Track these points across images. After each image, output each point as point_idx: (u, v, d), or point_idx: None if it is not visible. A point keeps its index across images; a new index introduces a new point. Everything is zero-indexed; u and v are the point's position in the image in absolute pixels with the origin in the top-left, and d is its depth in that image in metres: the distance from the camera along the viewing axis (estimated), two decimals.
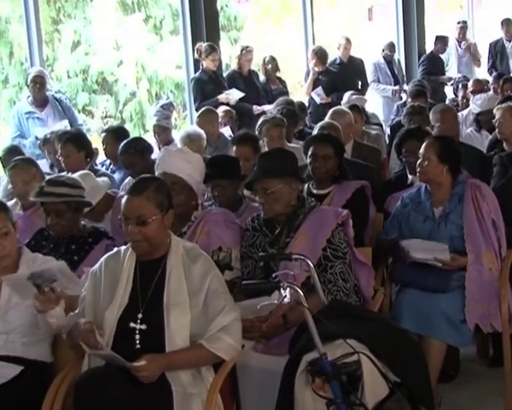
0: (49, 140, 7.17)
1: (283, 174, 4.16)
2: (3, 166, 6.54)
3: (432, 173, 4.67)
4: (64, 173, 5.12)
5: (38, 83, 8.03)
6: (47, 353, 3.83)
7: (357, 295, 4.21)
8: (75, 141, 6.41)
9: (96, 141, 7.71)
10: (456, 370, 4.98)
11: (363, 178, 5.28)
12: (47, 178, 4.84)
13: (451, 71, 12.54)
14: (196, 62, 9.66)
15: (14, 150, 6.93)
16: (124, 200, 3.57)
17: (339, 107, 7.58)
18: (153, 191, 3.57)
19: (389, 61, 11.59)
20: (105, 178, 5.78)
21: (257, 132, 6.82)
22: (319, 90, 9.88)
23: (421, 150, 4.73)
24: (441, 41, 12.38)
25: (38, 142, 7.60)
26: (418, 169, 4.72)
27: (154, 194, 3.57)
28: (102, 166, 7.22)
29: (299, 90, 11.03)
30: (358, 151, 6.67)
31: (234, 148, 5.80)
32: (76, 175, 5.06)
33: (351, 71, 10.61)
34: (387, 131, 8.59)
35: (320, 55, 10.29)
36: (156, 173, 4.37)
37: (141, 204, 3.52)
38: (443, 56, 12.47)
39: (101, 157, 7.44)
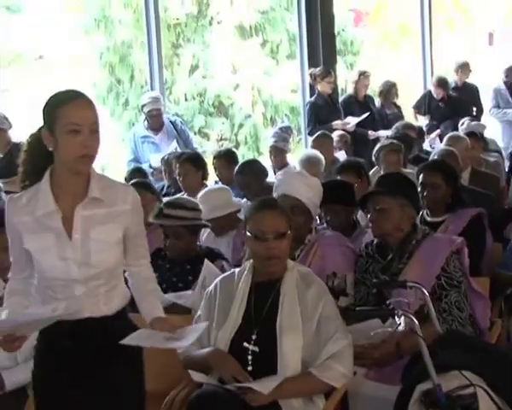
0: (167, 160, 7.32)
1: (396, 194, 4.13)
2: None
3: None
4: (181, 195, 5.21)
5: (154, 116, 8.20)
6: None
7: (473, 326, 4.11)
8: (194, 160, 6.55)
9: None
10: None
11: (481, 205, 5.16)
12: (166, 200, 4.93)
13: None
14: (312, 87, 9.71)
15: (137, 172, 7.08)
16: (258, 216, 3.58)
17: (455, 132, 7.47)
18: (283, 207, 3.63)
19: (510, 86, 11.33)
20: (241, 200, 5.87)
21: (374, 158, 6.80)
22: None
23: None
24: None
25: (151, 170, 7.73)
26: None
27: (284, 210, 3.64)
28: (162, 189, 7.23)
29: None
30: (476, 178, 6.54)
31: (338, 177, 5.77)
32: (212, 188, 5.20)
33: (465, 97, 10.46)
34: (507, 158, 8.39)
35: (443, 83, 10.22)
36: (275, 195, 4.41)
37: (279, 218, 3.57)
38: None
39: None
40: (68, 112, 2.94)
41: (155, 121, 8.20)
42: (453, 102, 10.29)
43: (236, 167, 6.61)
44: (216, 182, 7.37)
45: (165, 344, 3.05)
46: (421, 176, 5.10)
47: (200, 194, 5.59)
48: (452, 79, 10.68)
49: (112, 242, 3.04)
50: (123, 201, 3.07)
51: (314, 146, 7.77)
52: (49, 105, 3.01)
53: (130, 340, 3.00)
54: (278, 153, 7.87)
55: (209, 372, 3.50)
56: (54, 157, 3.02)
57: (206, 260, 4.44)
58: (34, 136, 3.09)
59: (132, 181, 5.97)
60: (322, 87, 9.31)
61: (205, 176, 6.61)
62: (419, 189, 5.05)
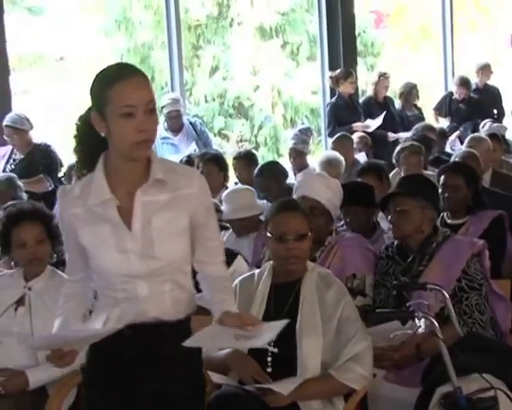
0: (191, 160, 7.33)
1: (417, 196, 4.12)
2: None
3: None
4: None
5: (173, 117, 8.20)
6: None
7: (494, 329, 4.09)
8: (217, 161, 6.56)
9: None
10: None
11: (502, 207, 5.14)
12: None
13: None
14: (332, 90, 9.70)
15: None
16: (279, 217, 3.59)
17: (477, 134, 7.44)
18: (303, 209, 3.63)
19: None
20: (264, 202, 5.88)
21: (394, 160, 6.79)
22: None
23: None
24: None
25: None
26: None
27: (305, 211, 3.64)
28: None
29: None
30: (497, 180, 6.52)
31: (359, 180, 5.75)
32: (237, 188, 5.22)
33: (486, 99, 10.40)
34: None
35: (465, 82, 10.19)
36: (294, 197, 4.41)
37: (300, 219, 3.58)
38: None
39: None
40: (120, 92, 2.60)
41: (175, 122, 8.22)
42: (474, 103, 10.24)
43: (256, 169, 6.61)
44: (236, 183, 7.38)
45: (235, 344, 2.75)
46: (442, 178, 5.08)
47: (225, 193, 5.60)
48: (473, 80, 10.62)
49: (177, 231, 2.69)
50: (188, 183, 2.71)
51: (334, 147, 7.77)
52: (97, 84, 2.69)
53: (193, 341, 2.67)
54: (298, 155, 7.88)
55: (228, 373, 3.50)
56: (107, 142, 2.69)
57: (239, 256, 4.47)
58: (83, 119, 2.75)
59: None
60: (344, 88, 9.30)
61: (226, 178, 6.60)
62: (440, 190, 5.03)
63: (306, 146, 8.12)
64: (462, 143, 7.68)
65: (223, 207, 5.53)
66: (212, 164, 6.52)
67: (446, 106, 10.42)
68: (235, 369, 3.47)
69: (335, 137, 8.05)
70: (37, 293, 3.99)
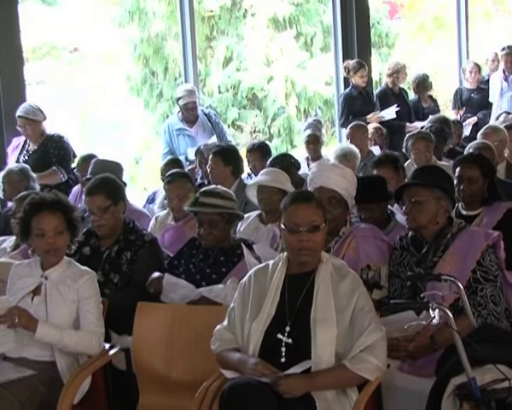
0: (202, 151, 7.34)
1: (432, 187, 4.10)
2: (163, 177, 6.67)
3: None
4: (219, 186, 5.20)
5: (190, 109, 8.19)
6: None
7: (509, 320, 4.07)
8: (223, 155, 6.53)
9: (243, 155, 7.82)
10: None
11: None
12: (202, 189, 4.95)
13: None
14: (346, 79, 9.68)
15: (173, 163, 7.04)
16: (292, 208, 3.57)
17: (492, 124, 7.40)
18: (318, 200, 3.62)
19: None
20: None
21: (404, 149, 6.77)
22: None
23: None
24: None
25: (188, 164, 7.73)
26: None
27: (320, 203, 3.62)
28: None
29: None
30: None
31: (375, 171, 5.73)
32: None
33: None
34: None
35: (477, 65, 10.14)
36: (310, 188, 4.40)
37: (313, 211, 3.56)
38: None
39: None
40: None
41: (191, 114, 8.20)
42: (486, 93, 10.19)
43: (268, 161, 6.61)
44: (249, 174, 7.38)
45: None
46: (457, 169, 5.04)
47: (265, 169, 5.75)
48: (485, 71, 10.58)
49: None
50: None
51: (349, 135, 7.76)
52: None
53: None
54: (315, 142, 7.91)
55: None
56: None
57: (256, 245, 4.54)
58: None
59: (172, 171, 5.98)
60: (356, 80, 9.28)
61: (235, 171, 6.54)
62: (455, 182, 5.00)
63: (322, 134, 8.16)
64: (477, 130, 7.62)
65: (259, 178, 5.61)
66: (218, 158, 6.50)
67: (458, 99, 10.36)
68: (247, 373, 3.44)
69: (351, 124, 8.02)
70: (53, 283, 4.02)
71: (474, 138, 7.00)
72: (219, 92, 13.18)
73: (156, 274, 4.53)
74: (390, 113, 8.99)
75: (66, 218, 4.03)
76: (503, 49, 10.17)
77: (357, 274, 3.69)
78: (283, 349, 3.46)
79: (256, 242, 4.94)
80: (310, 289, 3.54)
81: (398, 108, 8.99)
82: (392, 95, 9.39)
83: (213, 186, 5.03)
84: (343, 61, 9.79)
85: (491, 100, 10.02)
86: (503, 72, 10.11)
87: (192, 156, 7.73)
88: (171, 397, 3.99)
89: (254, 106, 13.65)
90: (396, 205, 4.88)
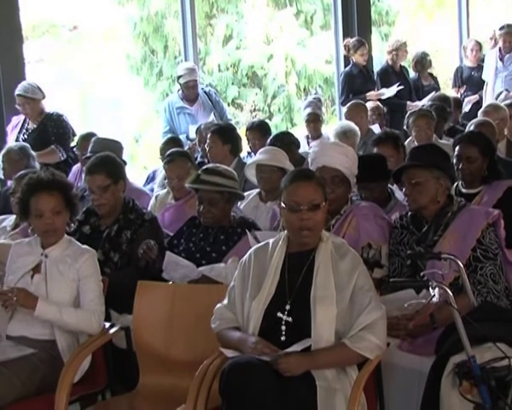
0: (201, 130, 7.32)
1: (431, 167, 4.09)
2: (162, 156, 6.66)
3: None
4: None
5: (191, 87, 8.16)
6: None
7: (509, 298, 4.08)
8: (221, 134, 6.52)
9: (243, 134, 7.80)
10: None
11: None
12: (204, 166, 4.95)
13: None
14: (346, 58, 9.64)
15: (172, 142, 7.02)
16: (293, 187, 3.56)
17: (493, 102, 7.37)
18: (318, 179, 3.61)
19: None
20: None
21: (405, 127, 6.77)
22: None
23: None
24: None
25: (188, 142, 7.71)
26: None
27: (320, 181, 3.61)
28: None
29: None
30: None
31: (375, 149, 5.72)
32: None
33: None
34: None
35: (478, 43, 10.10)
36: (312, 167, 4.39)
37: (314, 189, 3.55)
38: None
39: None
40: None
41: (192, 92, 8.18)
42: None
43: (268, 140, 6.59)
44: (248, 153, 7.36)
45: None
46: (456, 148, 5.02)
47: (264, 148, 5.76)
48: (486, 50, 10.52)
49: None
50: None
51: (348, 114, 7.74)
52: None
53: None
54: (315, 120, 7.89)
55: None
56: None
57: (260, 232, 4.51)
58: None
59: (171, 151, 5.97)
60: (356, 59, 9.25)
61: (233, 150, 6.54)
62: (454, 161, 4.99)
63: (321, 111, 8.16)
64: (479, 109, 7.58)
65: (257, 157, 5.58)
66: (216, 136, 6.50)
67: (459, 78, 10.31)
68: (248, 352, 3.44)
69: (349, 103, 8.00)
70: (53, 261, 4.02)
71: (475, 116, 6.97)
72: (219, 70, 13.13)
73: (152, 242, 4.53)
74: (391, 90, 8.97)
75: (64, 197, 4.02)
76: (501, 28, 9.92)
77: (357, 253, 3.68)
78: (283, 328, 3.46)
79: (256, 220, 4.94)
80: (310, 268, 3.54)
81: (401, 87, 8.96)
82: (392, 73, 9.36)
83: (215, 164, 5.02)
84: (343, 39, 9.75)
85: (484, 78, 9.90)
86: (500, 50, 9.89)
87: (193, 134, 7.72)
88: (172, 376, 3.99)
89: (254, 84, 13.60)
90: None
